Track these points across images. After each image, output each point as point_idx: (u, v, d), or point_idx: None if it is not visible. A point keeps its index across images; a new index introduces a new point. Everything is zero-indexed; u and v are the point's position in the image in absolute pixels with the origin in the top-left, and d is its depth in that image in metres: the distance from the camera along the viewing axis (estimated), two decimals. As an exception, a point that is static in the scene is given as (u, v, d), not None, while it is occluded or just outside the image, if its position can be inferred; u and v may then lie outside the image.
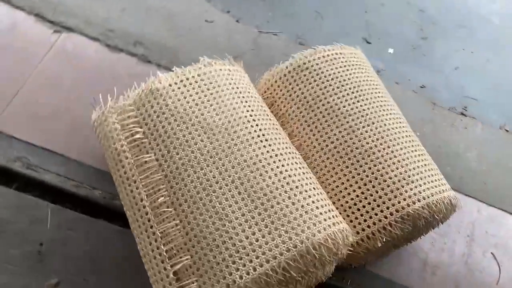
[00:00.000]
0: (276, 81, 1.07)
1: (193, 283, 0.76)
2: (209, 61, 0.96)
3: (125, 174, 0.83)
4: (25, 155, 0.97)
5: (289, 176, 0.85)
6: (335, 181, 0.97)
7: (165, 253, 0.77)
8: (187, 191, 0.81)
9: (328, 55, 1.08)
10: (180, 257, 0.78)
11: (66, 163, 0.98)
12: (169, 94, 0.88)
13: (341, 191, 0.96)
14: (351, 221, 0.94)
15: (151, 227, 0.79)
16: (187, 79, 0.91)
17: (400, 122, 1.05)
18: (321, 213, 0.82)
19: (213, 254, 0.77)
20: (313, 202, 0.83)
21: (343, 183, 0.96)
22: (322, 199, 0.86)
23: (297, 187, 0.84)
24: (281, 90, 1.06)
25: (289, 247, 0.77)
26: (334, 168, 0.98)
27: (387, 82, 1.49)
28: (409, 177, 0.95)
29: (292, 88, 1.05)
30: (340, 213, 0.95)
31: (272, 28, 1.57)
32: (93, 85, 1.01)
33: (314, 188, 0.87)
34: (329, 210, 0.85)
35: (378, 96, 1.06)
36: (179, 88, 0.90)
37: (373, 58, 1.58)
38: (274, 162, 0.85)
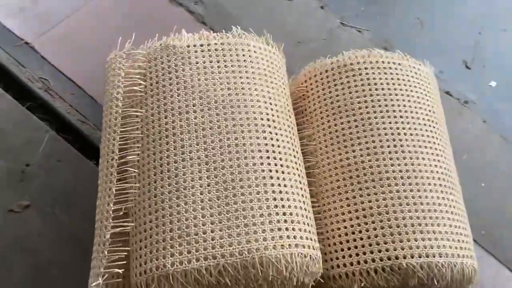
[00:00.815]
0: (315, 75, 0.96)
1: (126, 251, 0.72)
2: (243, 33, 0.88)
3: (109, 121, 0.81)
4: (49, 78, 1.00)
5: (275, 178, 0.75)
6: (335, 201, 0.85)
7: (111, 212, 0.73)
8: (158, 158, 0.76)
9: (383, 62, 0.93)
10: (124, 222, 0.73)
11: (82, 97, 0.99)
12: (183, 55, 0.83)
13: (337, 214, 0.84)
14: (335, 250, 0.82)
15: (110, 182, 0.76)
16: (208, 44, 0.85)
17: (441, 160, 0.87)
18: (288, 229, 0.72)
19: (157, 230, 0.71)
20: (285, 214, 0.73)
21: (342, 206, 0.84)
22: (300, 215, 0.75)
23: (274, 192, 0.74)
24: (316, 86, 0.95)
25: (234, 252, 0.68)
26: (340, 187, 0.85)
27: (473, 118, 1.28)
28: (420, 225, 0.79)
29: (329, 87, 0.93)
30: (326, 238, 0.83)
31: (359, 23, 1.42)
32: (139, 31, 1.00)
33: (298, 200, 0.76)
34: (303, 230, 0.74)
35: (426, 124, 0.90)
36: (196, 51, 0.84)
37: (465, 86, 1.37)
38: (267, 158, 0.76)
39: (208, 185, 0.73)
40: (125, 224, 0.73)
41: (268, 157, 0.77)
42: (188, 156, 0.75)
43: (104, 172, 0.77)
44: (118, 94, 0.82)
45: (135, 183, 0.77)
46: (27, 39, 1.06)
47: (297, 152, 0.83)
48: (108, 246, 0.71)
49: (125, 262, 0.73)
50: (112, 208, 0.73)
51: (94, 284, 0.70)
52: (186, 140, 0.76)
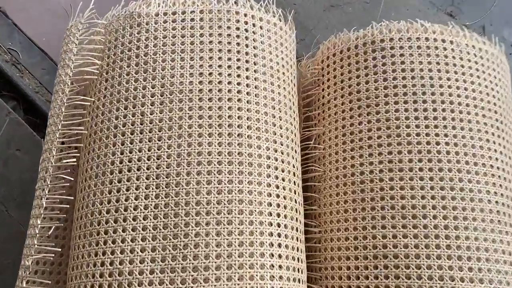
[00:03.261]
0: (334, 55, 0.72)
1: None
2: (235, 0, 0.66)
3: (52, 113, 0.64)
4: (21, 50, 0.85)
5: (253, 202, 0.55)
6: (340, 229, 0.63)
7: (37, 230, 0.58)
8: (99, 167, 0.59)
9: (426, 40, 0.67)
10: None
11: (54, 73, 0.83)
12: (149, 27, 0.63)
13: (340, 248, 0.63)
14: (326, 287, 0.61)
15: (43, 190, 0.60)
16: (183, 13, 0.64)
17: (503, 194, 0.62)
18: (257, 273, 0.52)
19: (88, 260, 0.55)
20: (254, 254, 0.53)
21: (348, 239, 0.62)
22: (279, 253, 0.55)
23: (243, 214, 0.54)
24: (334, 70, 0.71)
25: None
26: (348, 211, 0.63)
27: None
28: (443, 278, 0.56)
29: (349, 73, 0.69)
30: (325, 277, 0.63)
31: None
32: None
33: (281, 227, 0.56)
34: (284, 269, 0.54)
35: (487, 132, 0.64)
36: (165, 22, 0.63)
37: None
38: (245, 172, 0.56)
39: (155, 218, 0.55)
40: (52, 249, 0.57)
41: (241, 164, 0.57)
42: (134, 171, 0.57)
43: (40, 177, 0.62)
44: (66, 77, 0.64)
45: (76, 193, 0.60)
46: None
47: (294, 158, 0.62)
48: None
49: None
50: (39, 226, 0.58)
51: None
52: (136, 144, 0.58)
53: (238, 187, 0.55)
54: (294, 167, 0.62)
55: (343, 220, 0.63)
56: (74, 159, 0.60)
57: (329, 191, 0.66)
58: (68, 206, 0.58)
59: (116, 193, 0.56)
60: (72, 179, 0.60)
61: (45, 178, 0.60)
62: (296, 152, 0.64)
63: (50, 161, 0.60)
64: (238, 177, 0.56)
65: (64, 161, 0.60)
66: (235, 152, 0.57)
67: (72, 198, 0.60)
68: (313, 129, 0.72)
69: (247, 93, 0.60)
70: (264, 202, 0.56)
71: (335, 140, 0.68)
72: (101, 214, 0.56)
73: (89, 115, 0.64)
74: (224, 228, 0.53)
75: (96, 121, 0.62)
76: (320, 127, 0.71)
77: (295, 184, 0.61)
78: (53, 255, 0.57)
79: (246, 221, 0.54)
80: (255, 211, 0.55)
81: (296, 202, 0.60)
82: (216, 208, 0.54)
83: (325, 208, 0.66)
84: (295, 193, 0.61)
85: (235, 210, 0.54)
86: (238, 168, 0.56)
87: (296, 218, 0.59)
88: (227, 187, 0.55)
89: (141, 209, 0.55)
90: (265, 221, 0.55)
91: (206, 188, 0.55)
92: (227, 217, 0.54)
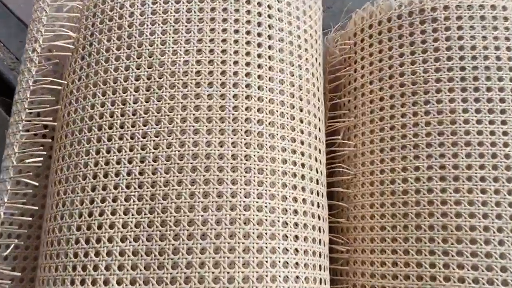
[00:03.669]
0: (371, 26, 0.57)
1: None
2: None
3: (18, 92, 0.52)
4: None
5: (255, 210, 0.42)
6: (374, 251, 0.50)
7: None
8: (67, 167, 0.46)
9: (497, 7, 0.52)
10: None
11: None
12: (136, -10, 0.49)
13: (373, 275, 0.50)
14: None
15: (10, 162, 0.48)
16: (179, -28, 0.50)
17: None
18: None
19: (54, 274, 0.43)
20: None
21: (384, 264, 0.49)
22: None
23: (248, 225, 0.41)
24: (370, 46, 0.57)
25: None
26: (386, 228, 0.50)
27: None
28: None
29: (390, 49, 0.55)
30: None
31: None
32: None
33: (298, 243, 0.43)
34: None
35: None
36: (156, -17, 0.49)
37: None
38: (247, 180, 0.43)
39: (135, 240, 0.42)
40: (8, 273, 0.46)
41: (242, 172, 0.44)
42: (112, 176, 0.44)
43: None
44: (33, 53, 0.51)
45: (47, 199, 0.49)
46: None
47: (318, 161, 0.48)
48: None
49: None
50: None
51: None
52: (114, 141, 0.45)
53: (243, 201, 0.42)
54: (317, 172, 0.48)
55: (378, 240, 0.50)
56: (41, 158, 0.48)
57: (360, 201, 0.53)
58: (31, 219, 0.47)
59: (89, 205, 0.44)
60: (37, 184, 0.47)
61: (4, 182, 0.48)
62: (320, 152, 0.50)
63: (11, 161, 0.48)
64: (244, 189, 0.43)
65: (28, 161, 0.47)
66: (240, 155, 0.43)
67: (37, 208, 0.48)
68: (341, 120, 0.58)
69: (259, 77, 0.47)
70: (278, 221, 0.43)
71: (370, 136, 0.54)
72: (70, 231, 0.44)
73: (62, 101, 0.51)
74: (224, 261, 0.40)
75: (69, 110, 0.49)
76: (350, 118, 0.57)
77: (318, 195, 0.48)
78: (9, 282, 0.45)
79: (253, 247, 0.41)
80: (266, 233, 0.42)
81: (319, 218, 0.47)
82: (215, 230, 0.41)
83: (355, 221, 0.53)
84: (318, 207, 0.47)
85: (238, 233, 0.41)
86: (244, 176, 0.43)
87: (320, 240, 0.46)
88: (230, 201, 0.42)
89: (118, 228, 0.42)
90: (279, 247, 0.42)
91: (202, 203, 0.42)
92: (228, 243, 0.41)
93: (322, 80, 0.55)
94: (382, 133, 0.53)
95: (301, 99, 0.48)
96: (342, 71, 0.60)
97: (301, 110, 0.48)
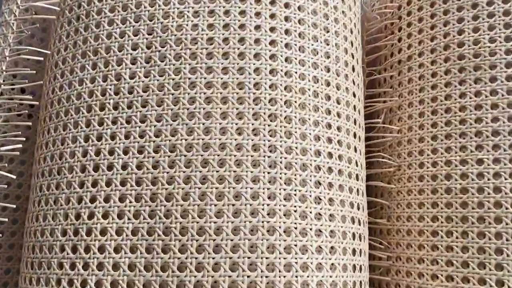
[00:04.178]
0: (420, -15, 0.47)
1: None
2: None
3: None
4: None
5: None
6: (420, 271, 0.41)
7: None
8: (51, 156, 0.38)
9: None
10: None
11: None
12: None
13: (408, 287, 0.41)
14: None
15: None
16: None
17: None
18: None
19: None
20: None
21: (427, 272, 0.40)
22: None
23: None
24: (419, 9, 0.46)
25: None
26: (437, 232, 0.41)
27: None
28: None
29: (446, 13, 0.44)
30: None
31: None
32: None
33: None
34: None
35: None
36: None
37: None
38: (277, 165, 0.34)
39: (132, 251, 0.34)
40: None
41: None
42: (103, 170, 0.35)
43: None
44: (10, 16, 0.42)
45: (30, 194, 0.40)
46: None
47: (358, 151, 0.39)
48: None
49: None
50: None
51: None
52: (106, 126, 0.36)
53: (267, 205, 0.33)
54: (357, 165, 0.39)
55: (429, 247, 0.41)
56: (20, 145, 0.40)
57: (405, 198, 0.44)
58: (6, 220, 0.39)
59: (76, 205, 0.36)
60: (14, 177, 0.39)
61: (-23, 173, 0.39)
62: (360, 140, 0.41)
63: (-16, 147, 0.40)
64: (267, 189, 0.34)
65: (3, 148, 0.39)
66: (264, 145, 0.34)
67: (14, 206, 0.39)
68: (381, 100, 0.48)
69: (286, 45, 0.37)
70: (311, 229, 0.34)
71: (418, 120, 0.44)
72: (54, 236, 0.36)
73: (46, 75, 0.43)
74: (243, 282, 0.32)
75: (53, 86, 0.40)
76: (393, 97, 0.47)
77: (358, 194, 0.39)
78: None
79: (279, 263, 0.32)
80: (295, 245, 0.33)
81: (359, 224, 0.38)
82: (231, 241, 0.32)
83: (398, 223, 0.44)
84: (358, 209, 0.38)
85: (261, 245, 0.32)
86: (268, 173, 0.34)
87: (360, 251, 0.37)
88: (250, 205, 0.33)
89: (110, 235, 0.34)
90: (311, 263, 0.33)
91: (215, 206, 0.33)
92: (248, 257, 0.32)
93: (361, 51, 0.45)
94: (435, 116, 0.43)
95: (338, 75, 0.39)
96: (383, 41, 0.50)
97: (338, 88, 0.39)
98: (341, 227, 0.35)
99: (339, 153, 0.37)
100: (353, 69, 0.41)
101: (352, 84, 0.40)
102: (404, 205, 0.44)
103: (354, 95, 0.41)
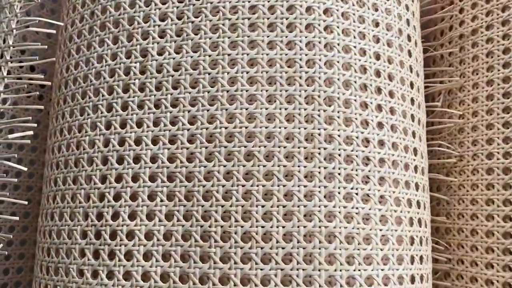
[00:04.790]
0: None
1: None
2: None
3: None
4: None
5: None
6: (487, 277, 0.36)
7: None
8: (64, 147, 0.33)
9: None
10: None
11: None
12: None
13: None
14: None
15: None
16: None
17: None
18: None
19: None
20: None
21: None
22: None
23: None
24: (488, -26, 0.40)
25: None
26: (509, 235, 0.35)
27: None
28: None
29: (521, -21, 0.38)
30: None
31: None
32: None
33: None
34: None
35: None
36: None
37: None
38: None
39: (165, 259, 0.29)
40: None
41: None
42: (129, 163, 0.30)
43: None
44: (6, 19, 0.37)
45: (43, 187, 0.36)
46: None
47: (421, 139, 0.33)
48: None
49: None
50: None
51: None
52: (131, 111, 0.31)
53: (324, 206, 0.28)
54: (422, 157, 0.34)
55: (500, 251, 0.36)
56: (31, 132, 0.34)
57: (469, 194, 0.38)
58: (17, 218, 0.34)
59: (98, 203, 0.31)
60: (25, 169, 0.34)
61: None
62: (423, 127, 0.35)
63: (-9, 134, 0.35)
64: (324, 187, 0.28)
65: (11, 136, 0.34)
66: (318, 135, 0.29)
67: (26, 202, 0.34)
68: (438, 79, 0.42)
69: (343, 15, 0.31)
70: (376, 235, 0.29)
71: (486, 103, 0.38)
72: (73, 238, 0.31)
73: (59, 51, 0.37)
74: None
75: (68, 64, 0.35)
76: (453, 77, 0.41)
77: (424, 191, 0.33)
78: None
79: (340, 276, 0.27)
80: (358, 254, 0.28)
81: (426, 226, 0.33)
82: (282, 249, 0.27)
83: (460, 221, 0.39)
84: (424, 209, 0.33)
85: (318, 254, 0.27)
86: (325, 168, 0.28)
87: (427, 258, 0.32)
88: (303, 206, 0.28)
89: (139, 239, 0.29)
90: (377, 275, 0.28)
91: (263, 207, 0.28)
92: (303, 269, 0.27)
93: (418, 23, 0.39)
94: (507, 100, 0.37)
95: (401, 50, 0.33)
96: (440, 12, 0.43)
97: (402, 66, 0.33)
98: (408, 231, 0.30)
99: (404, 143, 0.31)
100: (416, 44, 0.35)
101: (415, 61, 0.34)
102: (468, 201, 0.38)
103: (418, 75, 0.35)
